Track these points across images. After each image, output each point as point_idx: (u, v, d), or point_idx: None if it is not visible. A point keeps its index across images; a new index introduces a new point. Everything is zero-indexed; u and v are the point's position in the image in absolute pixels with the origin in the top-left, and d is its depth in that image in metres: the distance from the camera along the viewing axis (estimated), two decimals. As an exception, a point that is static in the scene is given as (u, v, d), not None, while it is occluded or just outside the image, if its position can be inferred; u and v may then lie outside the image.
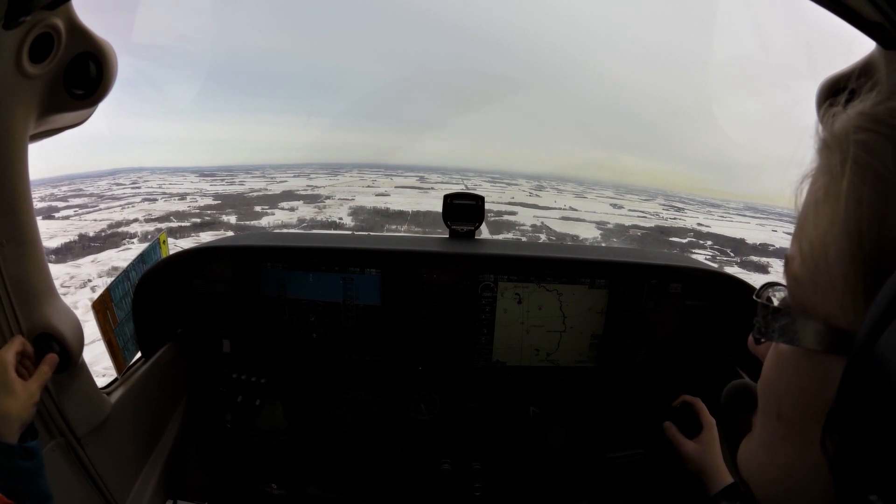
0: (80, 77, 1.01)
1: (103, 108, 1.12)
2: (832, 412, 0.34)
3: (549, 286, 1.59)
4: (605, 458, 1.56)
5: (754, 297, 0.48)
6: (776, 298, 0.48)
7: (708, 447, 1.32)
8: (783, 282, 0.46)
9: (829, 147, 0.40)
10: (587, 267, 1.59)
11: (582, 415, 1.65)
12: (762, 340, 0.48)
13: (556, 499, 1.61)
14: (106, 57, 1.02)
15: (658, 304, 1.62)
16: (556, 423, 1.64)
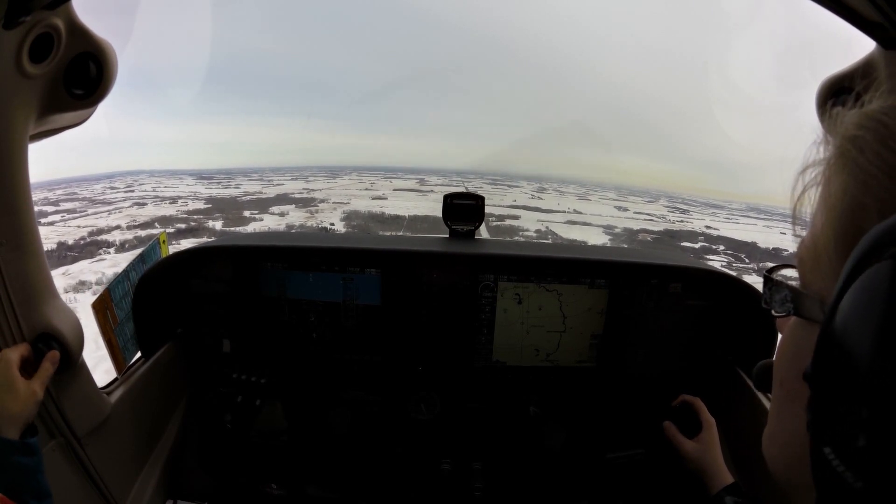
0: (80, 77, 1.01)
1: (104, 109, 1.12)
2: (805, 375, 0.38)
3: (549, 286, 1.59)
4: (604, 458, 1.56)
5: (765, 273, 0.54)
6: (788, 278, 0.52)
7: (708, 447, 1.32)
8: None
9: (827, 143, 0.44)
10: (587, 267, 1.59)
11: (582, 415, 1.65)
12: (772, 312, 0.53)
13: (556, 499, 1.60)
14: (106, 57, 1.02)
15: (658, 304, 1.62)
16: (556, 423, 1.64)
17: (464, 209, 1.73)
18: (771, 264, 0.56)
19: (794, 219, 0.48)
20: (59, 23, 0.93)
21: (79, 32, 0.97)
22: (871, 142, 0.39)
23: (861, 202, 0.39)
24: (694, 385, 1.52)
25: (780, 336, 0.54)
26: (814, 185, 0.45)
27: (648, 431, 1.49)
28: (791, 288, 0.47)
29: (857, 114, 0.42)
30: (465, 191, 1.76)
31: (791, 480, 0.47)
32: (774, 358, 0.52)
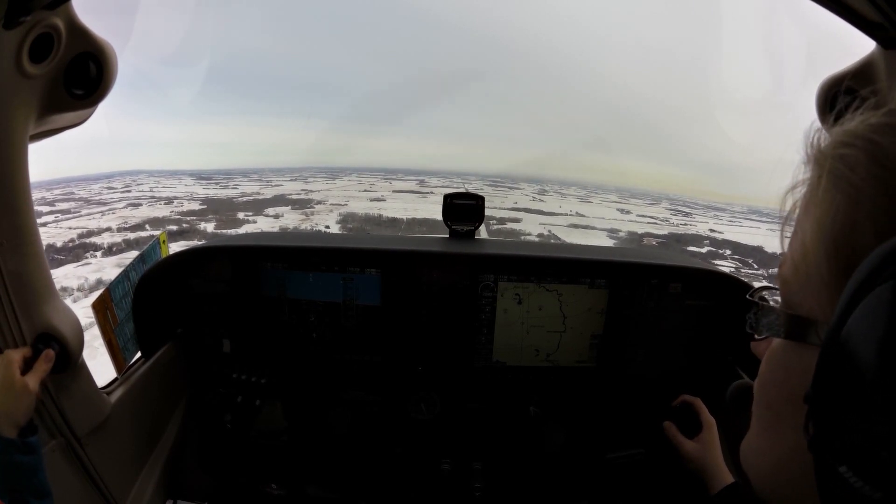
0: (80, 77, 1.01)
1: (104, 109, 1.12)
2: (807, 397, 0.38)
3: (549, 286, 1.59)
4: (604, 458, 1.56)
5: (748, 296, 0.53)
6: (770, 299, 0.52)
7: (708, 447, 1.32)
8: (774, 285, 0.51)
9: (813, 161, 0.44)
10: (587, 267, 1.59)
11: (582, 415, 1.65)
12: (755, 336, 0.52)
13: (556, 499, 1.60)
14: (106, 57, 1.02)
15: (658, 304, 1.62)
16: (556, 423, 1.64)
17: (464, 209, 1.73)
18: None
19: (783, 233, 0.48)
20: (59, 23, 0.93)
21: (79, 32, 0.97)
22: (862, 160, 0.39)
23: (854, 220, 0.39)
24: (694, 385, 1.52)
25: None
26: (801, 204, 0.45)
27: (648, 431, 1.49)
28: (780, 311, 0.46)
29: (841, 132, 0.42)
30: (464, 191, 1.76)
31: (782, 496, 0.48)
32: (757, 380, 0.51)
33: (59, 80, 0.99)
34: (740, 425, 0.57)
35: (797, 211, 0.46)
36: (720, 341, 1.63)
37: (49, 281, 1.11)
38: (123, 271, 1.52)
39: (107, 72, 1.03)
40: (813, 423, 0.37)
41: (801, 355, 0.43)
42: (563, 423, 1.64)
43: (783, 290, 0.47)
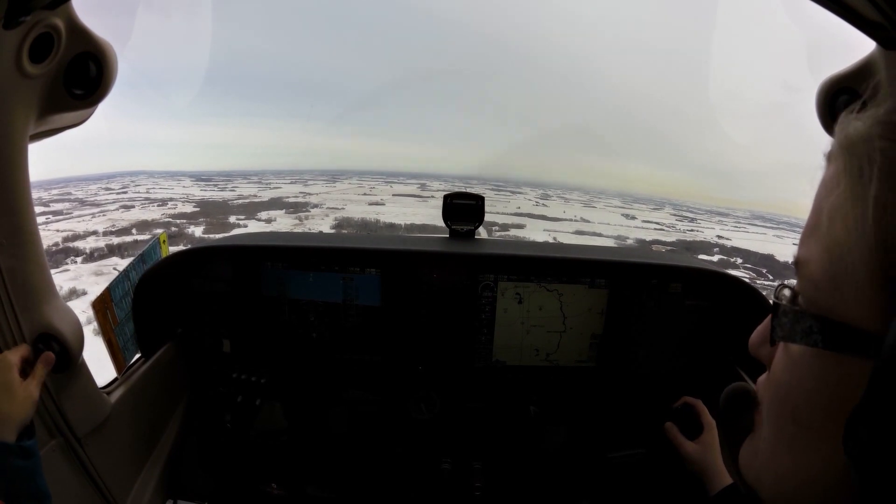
0: (80, 77, 1.00)
1: (104, 110, 1.12)
2: (857, 411, 0.35)
3: (549, 286, 1.59)
4: (605, 458, 1.56)
5: (774, 298, 0.48)
6: (785, 300, 0.47)
7: (709, 448, 1.32)
8: (789, 284, 0.47)
9: (849, 152, 0.40)
10: (587, 267, 1.59)
11: (582, 415, 1.65)
12: (776, 342, 0.47)
13: (556, 499, 1.60)
14: (106, 57, 1.02)
15: (658, 304, 1.62)
16: (557, 422, 1.64)
17: (464, 209, 1.72)
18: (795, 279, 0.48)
19: (809, 233, 0.43)
20: (59, 23, 0.92)
21: (79, 32, 0.97)
22: None
23: None
24: (695, 385, 1.53)
25: (772, 364, 0.48)
26: (835, 200, 0.41)
27: (649, 431, 1.50)
28: (819, 317, 0.41)
29: (879, 124, 0.39)
30: (464, 191, 1.75)
31: None
32: (773, 390, 0.47)
33: (59, 80, 0.99)
34: (741, 427, 0.55)
35: (826, 205, 0.42)
36: (720, 341, 1.63)
37: (49, 281, 1.11)
38: (124, 271, 1.52)
39: (107, 72, 1.03)
40: (860, 438, 0.35)
41: (841, 365, 0.39)
42: (563, 422, 1.64)
43: (812, 294, 0.42)
